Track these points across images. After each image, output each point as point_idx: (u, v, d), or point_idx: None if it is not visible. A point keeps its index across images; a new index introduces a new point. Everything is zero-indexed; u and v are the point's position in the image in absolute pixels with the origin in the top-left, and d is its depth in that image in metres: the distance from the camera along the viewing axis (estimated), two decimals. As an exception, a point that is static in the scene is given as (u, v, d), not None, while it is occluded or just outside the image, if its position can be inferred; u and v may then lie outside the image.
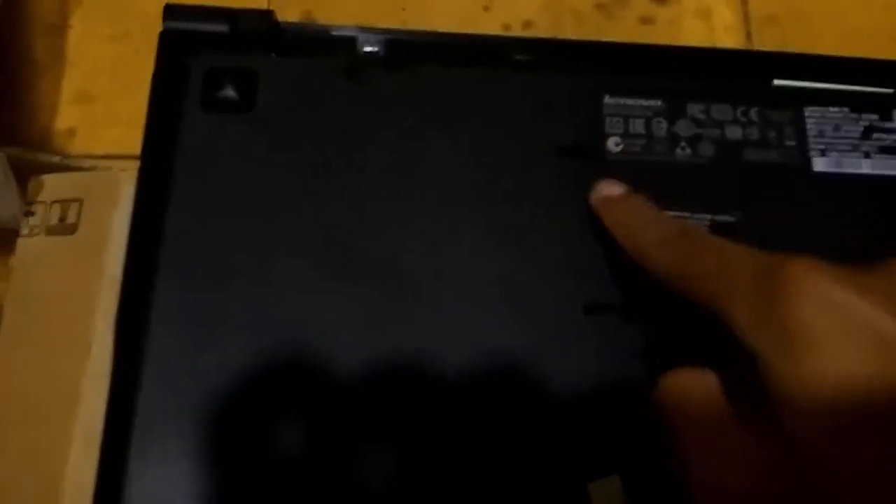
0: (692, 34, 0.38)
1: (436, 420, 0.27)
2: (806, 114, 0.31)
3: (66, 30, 0.37)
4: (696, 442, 0.23)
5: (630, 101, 0.31)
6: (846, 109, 0.32)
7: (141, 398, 0.26)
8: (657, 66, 0.32)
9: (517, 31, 0.38)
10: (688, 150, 0.31)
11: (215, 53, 0.30)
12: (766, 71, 0.32)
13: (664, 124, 0.31)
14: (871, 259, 0.29)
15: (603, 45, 0.33)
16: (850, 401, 0.19)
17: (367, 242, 0.29)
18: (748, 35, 0.38)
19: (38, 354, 0.29)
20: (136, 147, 0.29)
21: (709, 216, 0.30)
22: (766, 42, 0.38)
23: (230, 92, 0.30)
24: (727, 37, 0.38)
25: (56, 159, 0.33)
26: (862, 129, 0.31)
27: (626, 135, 0.31)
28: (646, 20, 0.38)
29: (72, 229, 0.31)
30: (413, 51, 0.32)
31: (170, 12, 0.30)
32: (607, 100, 0.31)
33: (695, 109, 0.31)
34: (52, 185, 0.32)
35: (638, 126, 0.31)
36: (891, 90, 0.32)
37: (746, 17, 0.39)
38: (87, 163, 0.33)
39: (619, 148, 0.31)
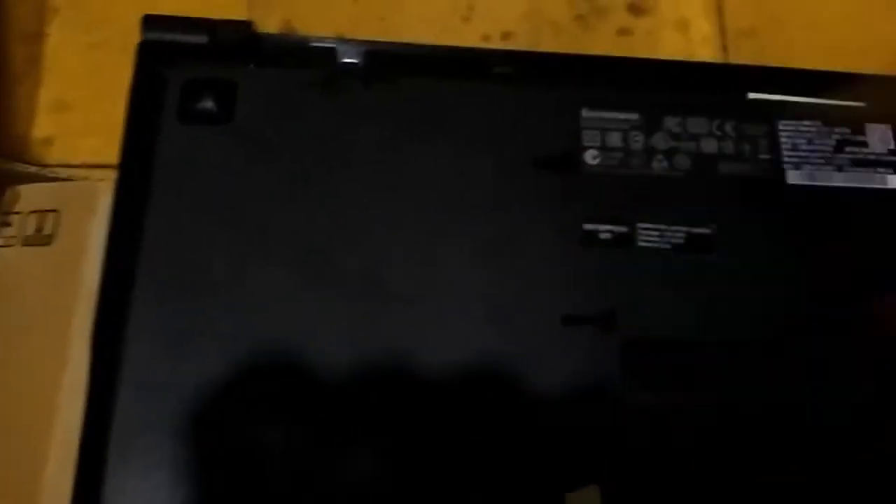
0: (670, 46, 0.38)
1: (414, 431, 0.27)
2: (780, 127, 0.32)
3: (43, 37, 0.37)
4: None
5: (607, 115, 0.31)
6: (819, 123, 0.32)
7: (118, 411, 0.26)
8: (634, 79, 0.32)
9: (496, 42, 0.38)
10: (664, 164, 0.31)
11: (194, 65, 0.30)
12: (741, 84, 0.33)
13: (641, 137, 0.31)
14: (843, 269, 0.30)
15: (581, 58, 0.33)
16: None
17: (345, 254, 0.29)
18: (724, 48, 0.39)
19: (13, 367, 0.29)
20: (114, 156, 0.29)
21: (685, 229, 0.30)
22: (743, 54, 0.38)
23: (208, 103, 0.30)
24: (704, 49, 0.39)
25: (32, 169, 0.33)
26: (835, 142, 0.32)
27: (603, 148, 0.31)
28: (624, 31, 0.39)
29: (48, 240, 0.30)
30: (392, 62, 0.32)
31: (148, 23, 0.30)
32: (585, 113, 0.31)
33: (671, 123, 0.32)
34: (29, 196, 0.32)
35: (615, 139, 0.31)
36: (863, 104, 0.32)
37: (723, 30, 0.39)
38: (65, 173, 0.33)
39: (597, 161, 0.31)
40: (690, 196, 0.31)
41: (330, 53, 0.31)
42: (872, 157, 0.32)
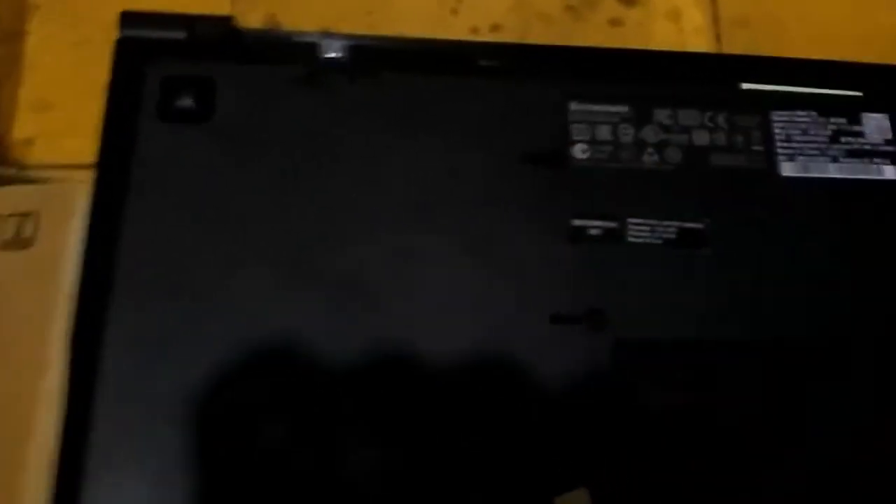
0: (662, 36, 0.38)
1: (401, 431, 0.27)
2: (773, 118, 0.31)
3: (23, 36, 0.36)
4: None
5: (596, 108, 0.31)
6: (814, 113, 0.31)
7: (97, 416, 0.26)
8: (624, 71, 0.32)
9: (485, 35, 0.37)
10: (655, 157, 0.30)
11: (173, 61, 0.30)
12: (733, 74, 0.32)
13: (631, 130, 0.31)
14: (840, 264, 0.30)
15: (568, 50, 0.33)
16: None
17: (329, 252, 0.28)
18: (718, 37, 0.38)
19: (-8, 372, 0.28)
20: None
21: (676, 223, 0.29)
22: (736, 44, 0.38)
23: (187, 101, 0.29)
24: (697, 39, 0.38)
25: (11, 171, 0.32)
26: (830, 133, 0.31)
27: (592, 141, 0.30)
28: (615, 22, 0.38)
29: (28, 244, 0.30)
30: (376, 57, 0.31)
31: (126, 20, 0.30)
32: (573, 106, 0.31)
33: (662, 115, 0.31)
34: (8, 198, 0.31)
35: (604, 132, 0.30)
36: (859, 93, 0.32)
37: (716, 19, 0.38)
38: (45, 174, 0.32)
39: (586, 155, 0.30)
40: (682, 190, 0.30)
41: (312, 48, 0.31)
42: (868, 147, 0.31)
